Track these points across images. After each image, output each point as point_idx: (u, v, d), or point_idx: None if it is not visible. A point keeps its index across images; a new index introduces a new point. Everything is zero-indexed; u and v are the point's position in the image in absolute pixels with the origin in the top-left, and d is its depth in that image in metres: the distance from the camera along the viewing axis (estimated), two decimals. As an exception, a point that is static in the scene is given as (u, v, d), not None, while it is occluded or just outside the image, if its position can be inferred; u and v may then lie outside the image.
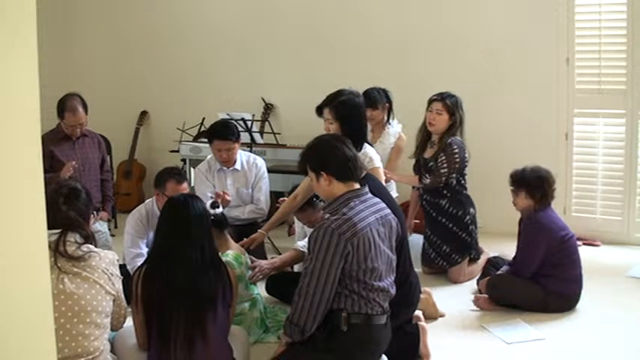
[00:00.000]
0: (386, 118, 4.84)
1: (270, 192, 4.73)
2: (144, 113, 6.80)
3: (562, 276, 3.75)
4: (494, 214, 5.14)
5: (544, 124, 5.30)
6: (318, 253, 2.70)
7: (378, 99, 4.77)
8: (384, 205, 2.94)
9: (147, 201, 4.11)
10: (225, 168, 4.53)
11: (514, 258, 3.95)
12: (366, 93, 4.70)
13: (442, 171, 4.30)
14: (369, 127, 4.79)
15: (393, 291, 2.89)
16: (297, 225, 4.30)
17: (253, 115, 5.71)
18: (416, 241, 4.59)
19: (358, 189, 2.88)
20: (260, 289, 3.77)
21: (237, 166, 4.54)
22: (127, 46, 6.80)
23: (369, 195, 2.91)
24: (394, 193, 4.81)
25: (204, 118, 5.81)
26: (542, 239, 3.72)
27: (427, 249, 4.45)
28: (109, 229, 4.97)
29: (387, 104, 4.83)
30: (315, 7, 6.03)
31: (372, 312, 2.78)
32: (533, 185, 3.75)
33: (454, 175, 4.34)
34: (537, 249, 3.73)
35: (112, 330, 2.72)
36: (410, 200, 4.81)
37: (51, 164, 4.42)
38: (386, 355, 2.96)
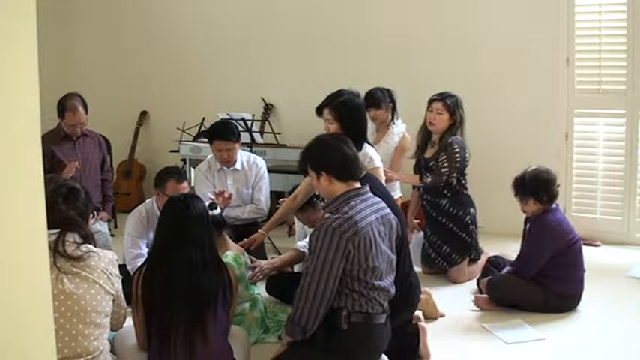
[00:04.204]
0: (390, 117, 4.84)
1: (270, 192, 4.73)
2: (144, 113, 6.80)
3: (564, 277, 3.74)
4: (494, 214, 5.14)
5: (544, 124, 5.30)
6: (319, 252, 2.70)
7: (381, 99, 4.77)
8: (384, 204, 2.94)
9: (147, 201, 4.11)
10: (225, 168, 4.52)
11: (517, 257, 3.95)
12: (370, 93, 4.71)
13: (443, 170, 4.30)
14: (374, 127, 4.81)
15: (393, 290, 2.89)
16: (297, 225, 4.31)
17: (253, 115, 5.72)
18: (417, 241, 4.58)
19: (359, 188, 2.88)
20: (260, 289, 3.77)
21: (238, 166, 4.54)
22: (127, 46, 6.80)
23: (370, 194, 2.92)
24: (398, 194, 4.82)
25: (204, 118, 5.82)
26: (549, 244, 3.72)
27: (427, 249, 4.45)
28: (109, 229, 4.97)
29: (390, 104, 4.83)
30: (315, 7, 6.02)
31: (372, 311, 2.78)
32: (540, 191, 3.74)
33: (455, 175, 4.33)
34: (543, 253, 3.73)
35: (111, 330, 2.72)
36: (410, 200, 4.81)
37: (51, 164, 4.42)
38: (386, 355, 2.96)
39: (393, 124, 4.85)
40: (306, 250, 3.43)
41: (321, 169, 2.86)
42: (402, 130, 4.84)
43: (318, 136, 3.07)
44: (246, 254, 3.65)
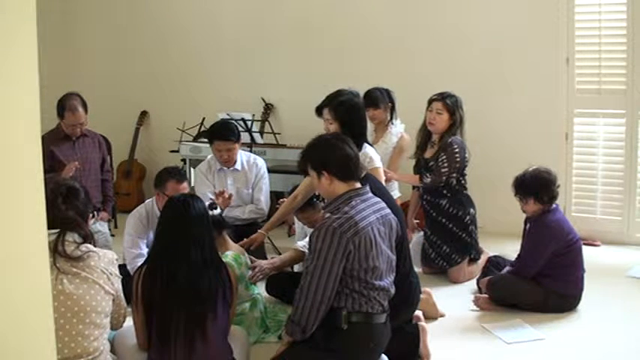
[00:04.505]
0: (389, 117, 4.84)
1: (270, 192, 4.73)
2: (144, 113, 6.80)
3: (563, 277, 3.74)
4: (494, 214, 5.14)
5: (544, 124, 5.30)
6: (319, 251, 2.70)
7: (380, 99, 4.77)
8: (384, 204, 2.94)
9: (147, 201, 4.10)
10: (225, 168, 4.53)
11: (517, 257, 3.95)
12: (369, 93, 4.71)
13: (443, 170, 4.30)
14: (372, 127, 4.81)
15: (392, 290, 2.89)
16: (297, 225, 4.30)
17: (253, 115, 5.72)
18: (417, 241, 4.58)
19: (359, 188, 2.88)
20: (260, 289, 3.77)
21: (238, 166, 4.54)
22: (127, 45, 6.80)
23: (370, 194, 2.92)
24: (397, 193, 4.82)
25: (204, 118, 5.81)
26: (549, 244, 3.72)
27: (427, 249, 4.45)
28: (109, 229, 4.97)
29: (389, 104, 4.83)
30: (315, 7, 6.02)
31: (372, 310, 2.78)
32: (540, 191, 3.74)
33: (454, 175, 4.34)
34: (543, 253, 3.72)
35: (111, 329, 2.72)
36: (410, 200, 4.81)
37: (51, 164, 4.42)
38: (386, 355, 2.96)
39: (392, 124, 4.85)
40: (306, 250, 3.43)
41: (321, 169, 2.85)
42: (400, 131, 4.84)
43: (319, 135, 3.08)
44: (246, 254, 3.65)
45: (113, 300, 2.63)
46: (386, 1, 5.80)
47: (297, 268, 4.08)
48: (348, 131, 3.43)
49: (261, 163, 4.65)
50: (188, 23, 6.56)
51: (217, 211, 3.49)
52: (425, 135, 4.50)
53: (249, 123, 5.52)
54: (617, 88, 5.04)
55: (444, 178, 4.32)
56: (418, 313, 3.34)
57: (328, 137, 3.04)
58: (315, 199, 3.85)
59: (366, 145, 3.67)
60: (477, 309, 3.85)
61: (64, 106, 4.52)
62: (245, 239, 3.85)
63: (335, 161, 2.85)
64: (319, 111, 3.67)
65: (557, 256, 3.73)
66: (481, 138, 5.00)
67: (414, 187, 4.72)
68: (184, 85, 6.60)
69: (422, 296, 3.45)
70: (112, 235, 4.99)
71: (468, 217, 4.36)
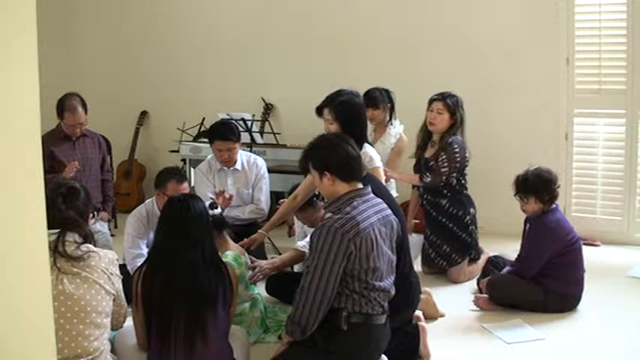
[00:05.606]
0: (388, 118, 4.84)
1: (270, 192, 4.73)
2: (144, 113, 6.80)
3: (564, 277, 3.74)
4: (494, 214, 5.14)
5: (544, 124, 5.30)
6: (320, 251, 2.70)
7: (379, 99, 4.77)
8: (385, 205, 2.94)
9: (147, 201, 4.11)
10: (225, 168, 4.53)
11: (517, 257, 3.95)
12: (368, 93, 4.71)
13: (443, 170, 4.30)
14: (372, 127, 4.81)
15: (392, 291, 2.89)
16: (297, 225, 4.30)
17: (253, 115, 5.72)
18: (416, 241, 4.57)
19: (361, 188, 2.87)
20: (260, 289, 3.77)
21: (238, 166, 4.54)
22: (126, 46, 6.80)
23: (372, 195, 2.91)
24: (394, 193, 4.81)
25: (204, 118, 5.82)
26: (549, 244, 3.72)
27: (427, 249, 4.45)
28: (109, 229, 4.97)
29: (388, 104, 4.82)
30: (316, 7, 6.03)
31: (372, 311, 2.78)
32: (541, 190, 3.74)
33: (454, 175, 4.34)
34: (543, 252, 3.73)
35: (111, 329, 2.72)
36: (410, 200, 4.81)
37: (51, 165, 4.41)
38: (386, 355, 2.95)
39: (391, 124, 4.85)
40: (306, 250, 3.43)
41: (324, 169, 2.85)
42: (399, 131, 4.84)
43: (321, 135, 3.07)
44: (246, 254, 3.65)
45: (114, 300, 2.63)
46: (386, 1, 5.80)
47: (297, 268, 4.09)
48: (349, 131, 3.43)
49: (261, 163, 4.65)
50: (188, 23, 6.56)
51: (217, 211, 3.49)
52: (425, 135, 4.50)
53: (249, 123, 5.52)
54: (617, 88, 5.04)
55: (444, 177, 4.32)
56: (418, 313, 3.34)
57: (331, 137, 3.04)
58: (315, 199, 3.85)
59: (366, 144, 3.67)
60: (477, 309, 3.85)
61: (63, 106, 4.52)
62: (245, 239, 3.85)
63: (337, 161, 2.84)
64: (319, 111, 3.66)
65: (557, 256, 3.73)
66: (481, 138, 5.00)
67: (413, 187, 4.72)
68: (184, 85, 6.60)
69: (422, 296, 3.45)
70: (112, 235, 4.99)
71: (468, 217, 4.36)
